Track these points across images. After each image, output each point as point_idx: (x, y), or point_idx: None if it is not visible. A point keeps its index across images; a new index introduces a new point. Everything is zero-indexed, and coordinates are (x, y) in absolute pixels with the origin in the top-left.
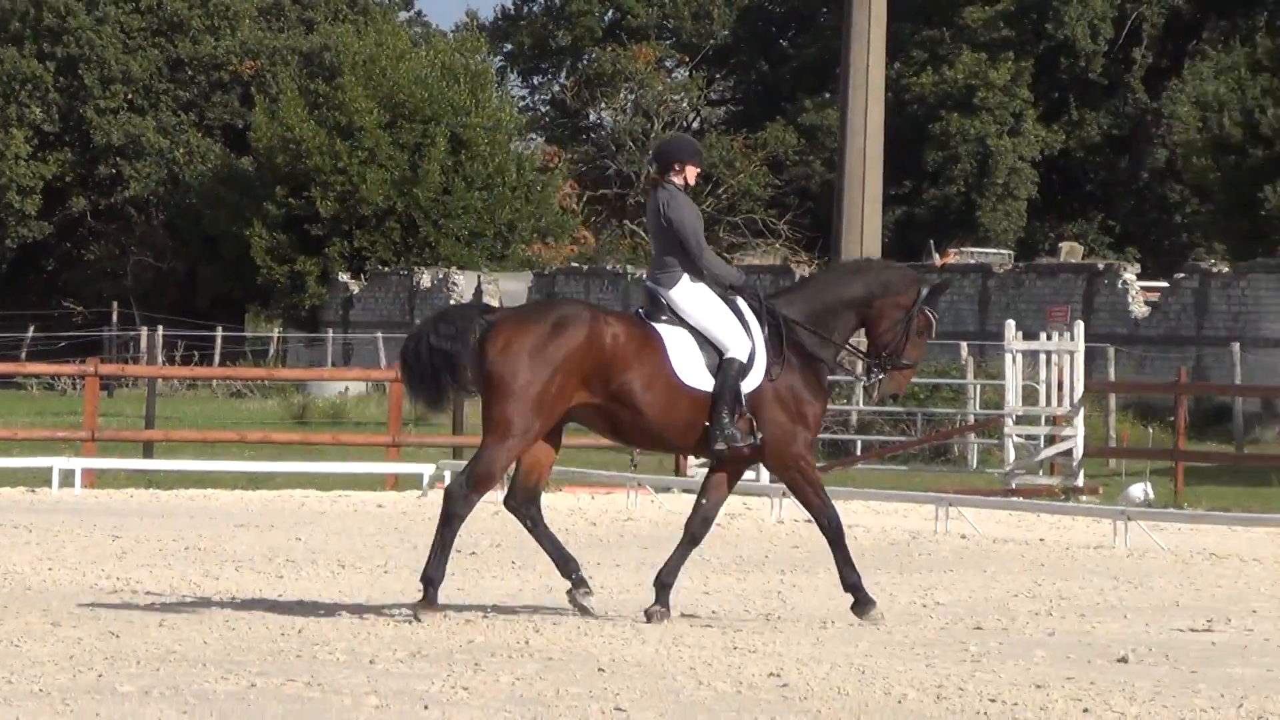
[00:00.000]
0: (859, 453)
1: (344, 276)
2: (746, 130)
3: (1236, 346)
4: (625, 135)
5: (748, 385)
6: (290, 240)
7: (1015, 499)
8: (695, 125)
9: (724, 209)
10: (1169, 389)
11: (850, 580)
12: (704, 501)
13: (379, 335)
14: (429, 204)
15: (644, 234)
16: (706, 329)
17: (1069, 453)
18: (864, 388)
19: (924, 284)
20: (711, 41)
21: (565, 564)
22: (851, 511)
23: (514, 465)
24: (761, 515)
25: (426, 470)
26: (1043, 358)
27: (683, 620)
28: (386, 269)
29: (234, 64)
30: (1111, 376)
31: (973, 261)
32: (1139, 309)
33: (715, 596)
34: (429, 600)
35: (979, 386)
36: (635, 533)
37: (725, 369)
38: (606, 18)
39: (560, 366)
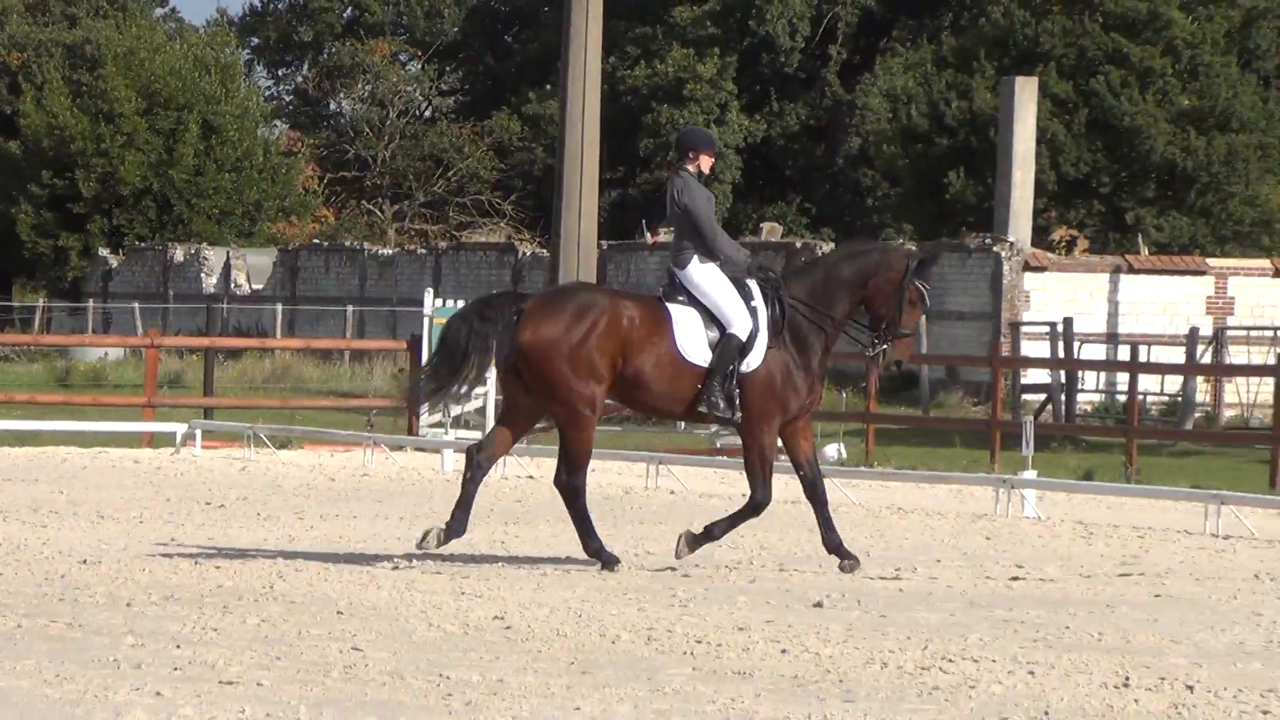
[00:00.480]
0: None
1: (104, 251)
2: (474, 119)
3: (923, 319)
4: (362, 122)
5: (745, 365)
6: (55, 218)
7: (720, 457)
8: (427, 114)
9: (453, 190)
10: (861, 357)
11: (713, 534)
12: (799, 453)
13: (136, 305)
14: (183, 185)
15: (379, 212)
16: (714, 306)
17: None
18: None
19: (913, 259)
20: (442, 37)
21: (458, 519)
22: None
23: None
24: (487, 472)
25: (179, 429)
26: None
27: (414, 568)
28: (143, 244)
29: (2, 55)
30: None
31: None
32: None
33: (445, 546)
34: (609, 561)
35: None
36: (371, 487)
37: (725, 344)
38: (346, 15)
39: (594, 347)
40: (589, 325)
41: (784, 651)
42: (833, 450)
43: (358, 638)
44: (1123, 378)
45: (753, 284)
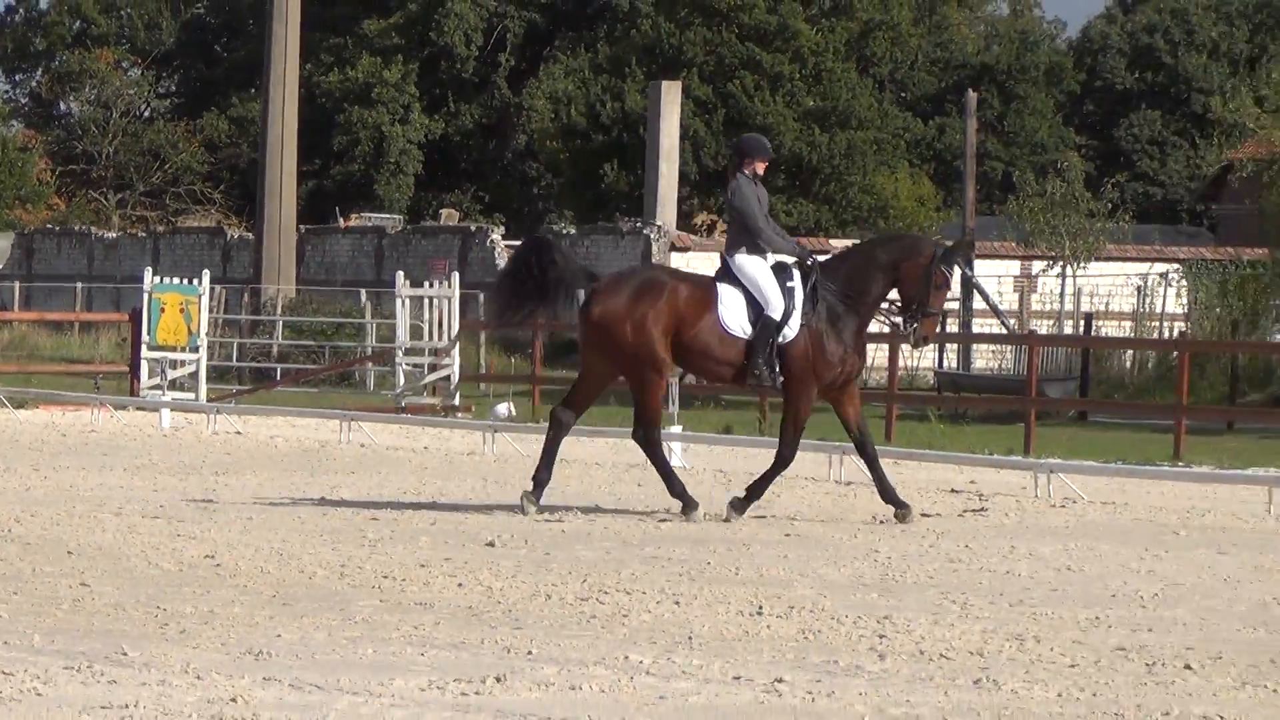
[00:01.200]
0: (279, 378)
1: None
2: (188, 118)
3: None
4: (89, 122)
5: (783, 338)
6: None
7: (405, 415)
8: (147, 114)
9: (170, 181)
10: (535, 325)
11: (754, 495)
12: (847, 415)
13: None
14: None
15: (105, 201)
16: (756, 290)
17: (448, 378)
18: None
19: (939, 247)
20: (160, 46)
21: (542, 474)
22: (273, 425)
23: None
24: (200, 428)
25: None
26: (426, 302)
27: (139, 514)
28: None
29: None
30: (482, 317)
31: (370, 224)
32: (504, 262)
33: (162, 493)
34: (689, 505)
35: (375, 325)
36: (97, 442)
37: (763, 324)
38: (75, 27)
39: (653, 319)
40: (650, 301)
41: (460, 585)
42: (503, 409)
43: (85, 575)
44: None
45: (795, 269)
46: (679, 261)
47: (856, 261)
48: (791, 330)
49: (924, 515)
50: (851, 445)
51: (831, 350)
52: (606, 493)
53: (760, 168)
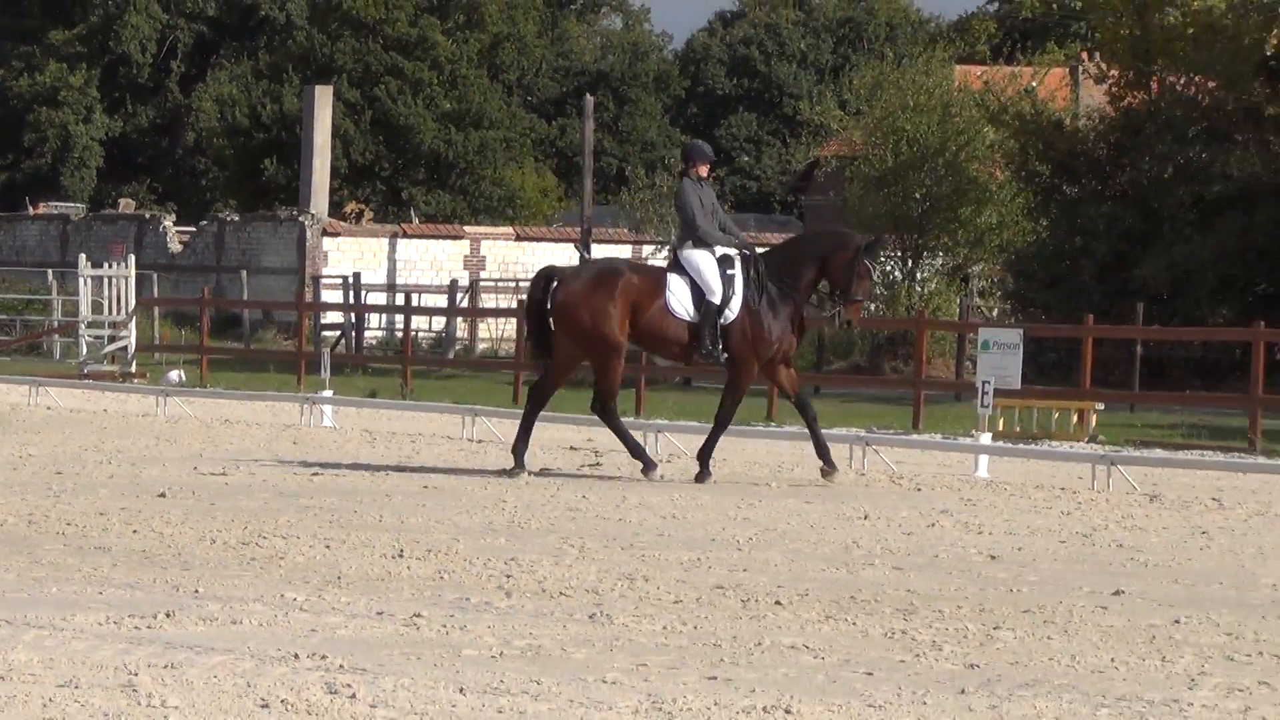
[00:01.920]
0: None
1: None
2: None
3: (244, 273)
4: None
5: (725, 319)
6: None
7: (87, 381)
8: None
9: None
10: (196, 302)
11: (705, 454)
12: (784, 386)
13: None
14: None
15: None
16: (699, 278)
17: (125, 348)
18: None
19: (863, 242)
20: None
21: (521, 442)
22: None
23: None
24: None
25: None
26: (106, 281)
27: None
28: None
29: None
30: (155, 294)
31: (56, 212)
32: (175, 246)
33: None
34: (649, 465)
35: (61, 301)
36: None
37: (706, 308)
38: None
39: (612, 306)
40: (606, 289)
41: (135, 531)
42: (175, 375)
43: None
44: (400, 319)
45: (736, 258)
46: (329, 245)
47: (791, 253)
48: (732, 313)
49: (546, 470)
50: (480, 407)
51: (769, 330)
52: (265, 450)
53: (703, 170)
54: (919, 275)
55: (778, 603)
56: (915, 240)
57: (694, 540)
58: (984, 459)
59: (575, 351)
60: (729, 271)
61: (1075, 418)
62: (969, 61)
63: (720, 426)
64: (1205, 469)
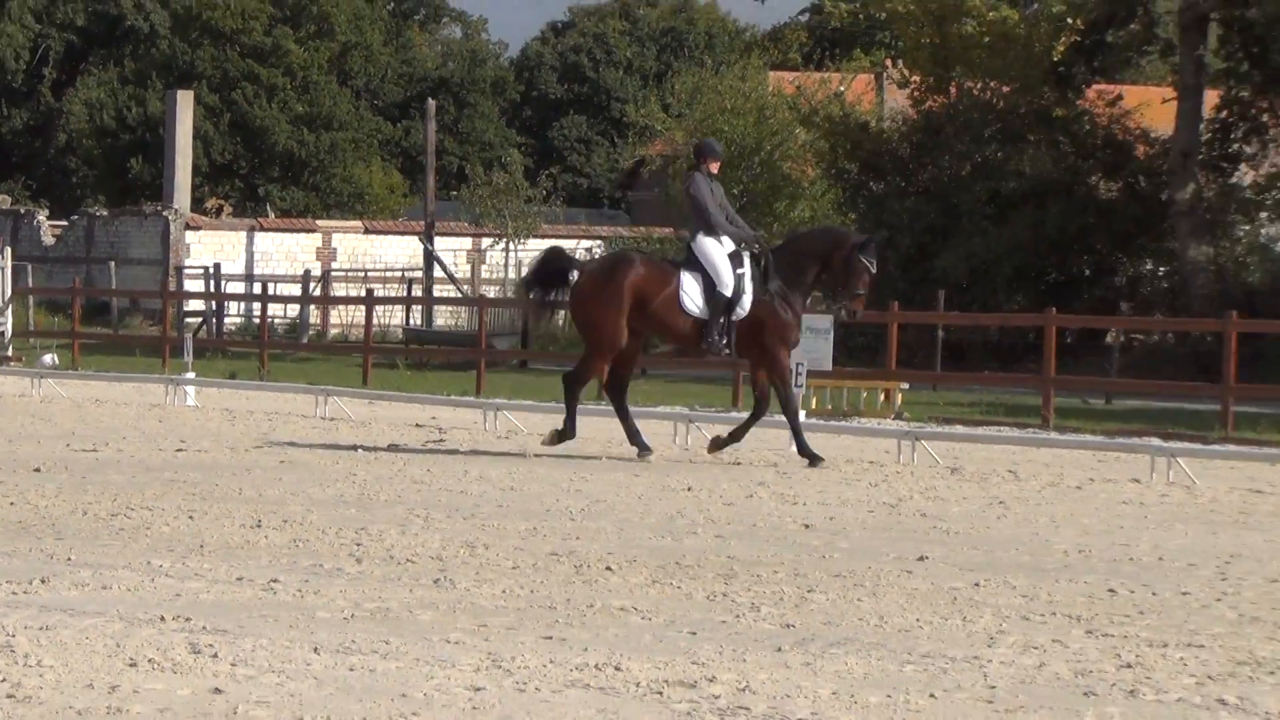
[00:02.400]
0: None
1: None
2: None
3: (113, 264)
4: None
5: (736, 314)
6: None
7: None
8: None
9: None
10: (68, 291)
11: (724, 436)
12: (760, 382)
13: None
14: None
15: None
16: (711, 270)
17: (2, 334)
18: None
19: (858, 240)
20: None
21: (633, 437)
22: None
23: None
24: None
25: None
26: None
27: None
28: None
29: None
30: (30, 284)
31: None
32: (48, 239)
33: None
34: (560, 436)
35: None
36: None
37: (715, 300)
38: None
39: (615, 300)
40: (620, 282)
41: (12, 504)
42: (48, 359)
43: None
44: (257, 306)
45: (745, 254)
46: (191, 238)
47: (795, 251)
48: (744, 310)
49: (394, 446)
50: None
51: (789, 319)
52: (133, 428)
53: (714, 167)
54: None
55: (608, 568)
56: None
57: (530, 511)
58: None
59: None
60: (739, 270)
61: (882, 397)
62: (782, 68)
63: (793, 419)
64: (1002, 444)
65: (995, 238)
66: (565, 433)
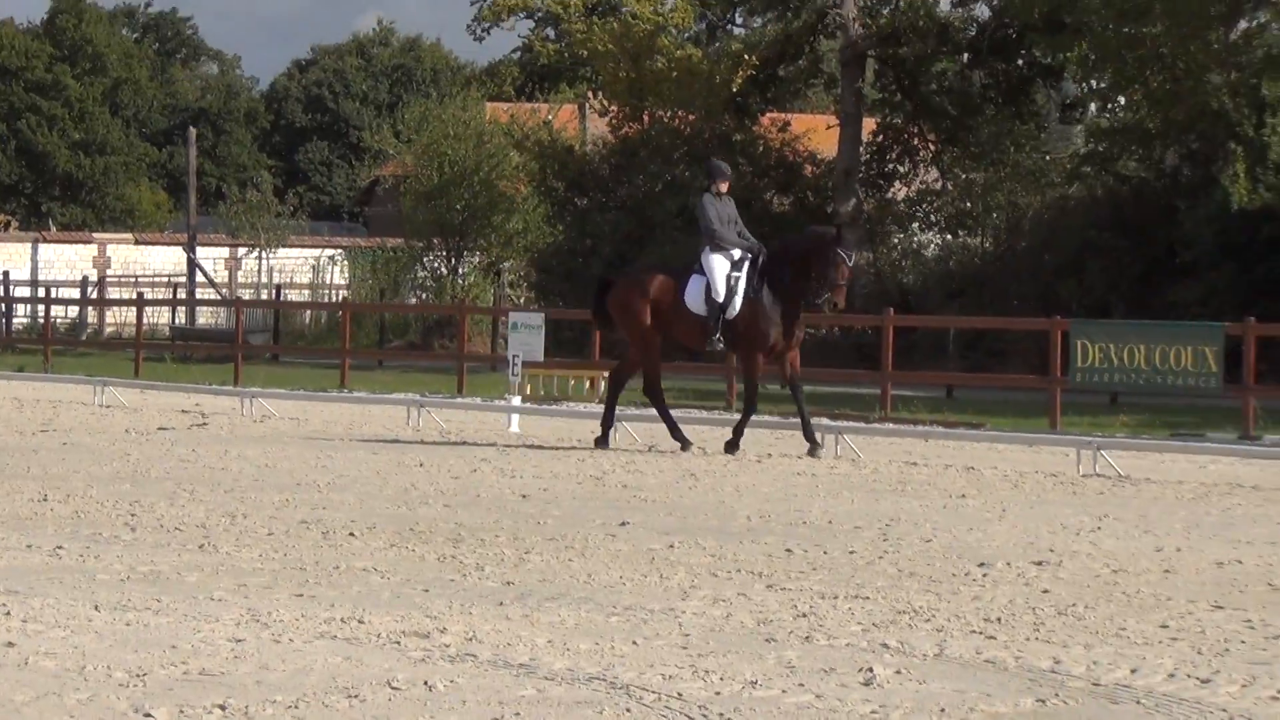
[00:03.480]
0: None
1: None
2: None
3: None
4: None
5: (729, 313)
6: None
7: None
8: None
9: None
10: None
11: (737, 435)
12: (784, 369)
13: None
14: None
15: None
16: (711, 277)
17: None
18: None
19: (829, 235)
20: None
21: (608, 420)
22: None
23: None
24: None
25: None
26: None
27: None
28: None
29: None
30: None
31: None
32: None
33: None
34: (684, 444)
35: None
36: None
37: (710, 303)
38: None
39: (638, 306)
40: (641, 288)
41: None
42: None
43: None
44: (41, 308)
45: (746, 263)
46: None
47: (782, 256)
48: (734, 310)
49: (162, 429)
50: (109, 379)
51: (765, 324)
52: None
53: (723, 186)
54: (461, 270)
55: (351, 534)
56: (457, 242)
57: (283, 485)
58: (515, 417)
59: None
60: (735, 275)
61: (588, 384)
62: (498, 99)
63: (748, 408)
64: (693, 424)
65: (684, 245)
66: (675, 434)
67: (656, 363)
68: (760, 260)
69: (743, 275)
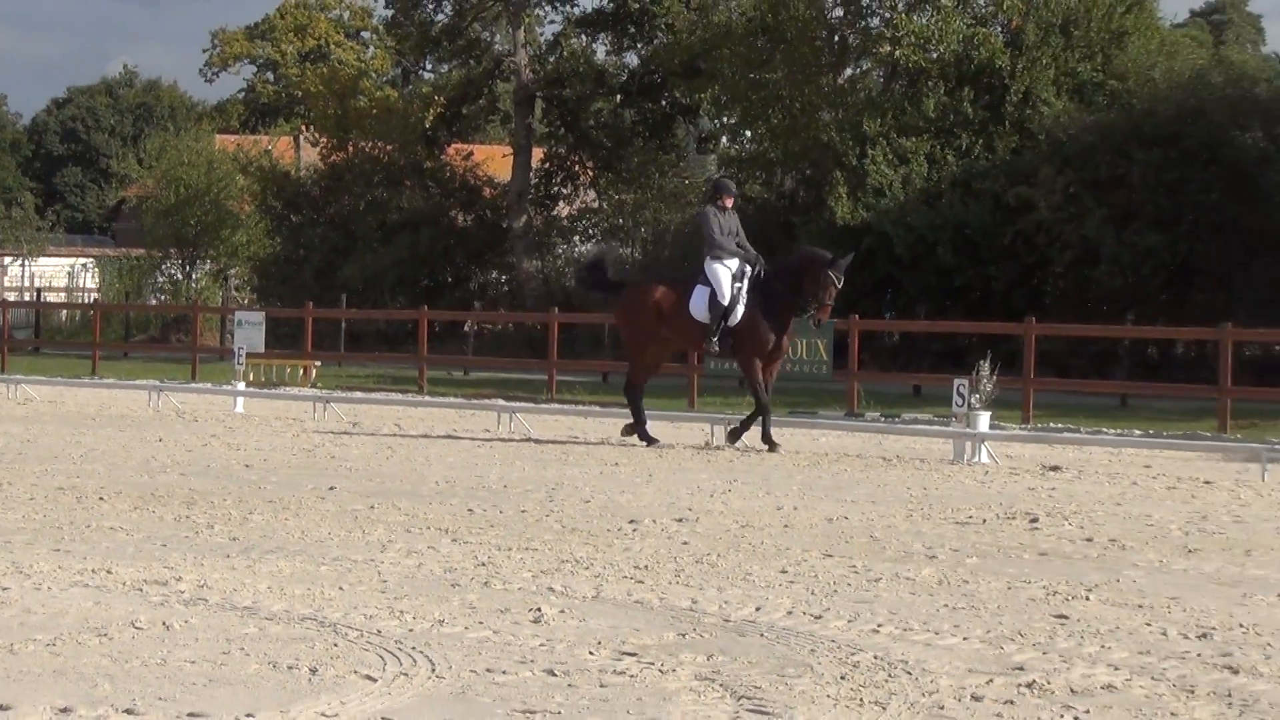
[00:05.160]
0: None
1: None
2: None
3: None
4: None
5: (731, 320)
6: None
7: None
8: None
9: None
10: None
11: (765, 433)
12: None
13: None
14: None
15: None
16: (715, 285)
17: None
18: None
19: (826, 258)
20: None
21: (638, 423)
22: None
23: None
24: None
25: None
26: None
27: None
28: None
29: None
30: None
31: None
32: None
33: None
34: (650, 441)
35: None
36: None
37: (714, 309)
38: None
39: (644, 313)
40: (645, 297)
41: None
42: None
43: None
44: None
45: (746, 271)
46: None
47: (780, 271)
48: (736, 317)
49: None
50: None
51: (765, 331)
52: None
53: (728, 202)
54: (194, 276)
55: (101, 499)
56: (191, 252)
57: (43, 457)
58: (240, 400)
59: (660, 343)
60: (737, 285)
61: (301, 372)
62: (226, 132)
63: (760, 410)
64: (390, 405)
65: (383, 255)
66: (642, 433)
67: (642, 371)
68: (759, 273)
69: (743, 285)
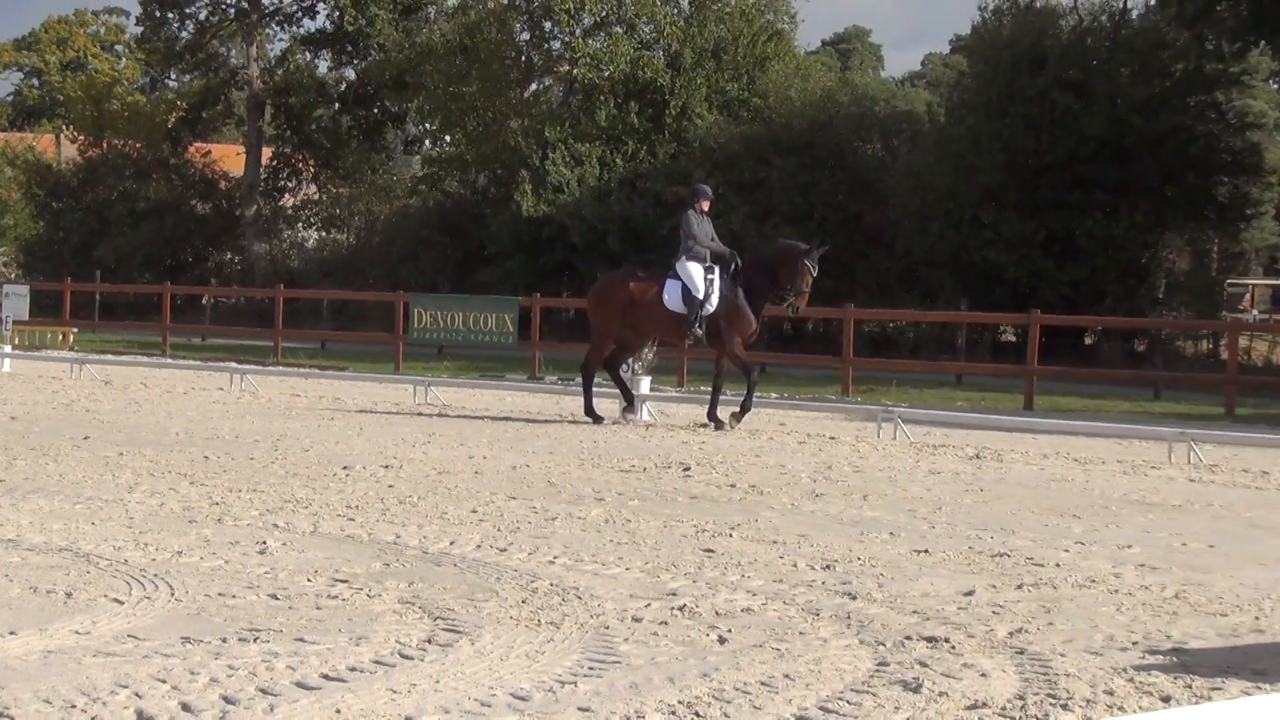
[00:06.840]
0: None
1: None
2: None
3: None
4: None
5: (706, 311)
6: None
7: None
8: None
9: None
10: None
11: (744, 410)
12: (719, 369)
13: None
14: None
15: None
16: (688, 280)
17: None
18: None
19: (801, 248)
20: None
21: (627, 398)
22: None
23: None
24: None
25: None
26: None
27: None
28: None
29: None
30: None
31: None
32: None
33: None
34: (596, 419)
35: None
36: None
37: (690, 301)
38: None
39: (614, 304)
40: (617, 289)
41: None
42: None
43: None
44: None
45: (718, 267)
46: None
47: (757, 261)
48: (711, 306)
49: None
50: None
51: (744, 314)
52: None
53: (705, 205)
54: None
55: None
56: None
57: None
58: (7, 361)
59: (633, 331)
60: (710, 276)
61: (61, 337)
62: None
63: (751, 387)
64: (135, 366)
65: (132, 237)
66: (588, 409)
67: (602, 353)
68: (735, 265)
69: (716, 277)
